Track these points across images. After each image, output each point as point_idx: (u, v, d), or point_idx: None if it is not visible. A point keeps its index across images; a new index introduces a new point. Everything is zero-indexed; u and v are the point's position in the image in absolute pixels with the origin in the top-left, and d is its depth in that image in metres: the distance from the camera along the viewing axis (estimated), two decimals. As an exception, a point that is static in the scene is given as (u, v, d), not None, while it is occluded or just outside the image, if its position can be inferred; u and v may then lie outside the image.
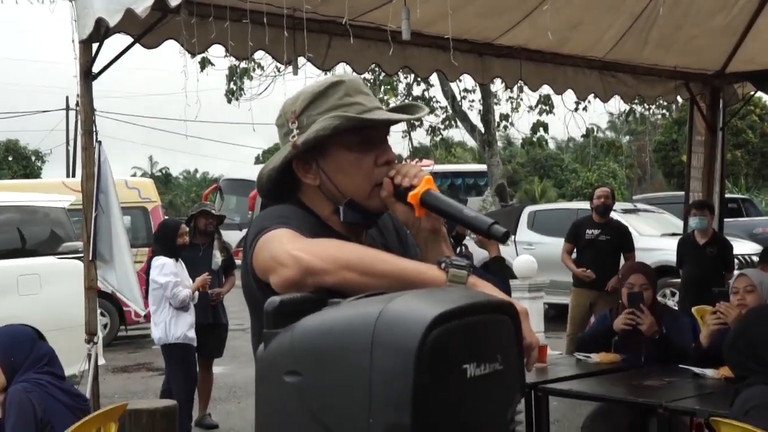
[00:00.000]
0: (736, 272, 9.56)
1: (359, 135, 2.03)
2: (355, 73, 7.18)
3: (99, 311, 6.23)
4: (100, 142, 6.09)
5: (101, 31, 5.88)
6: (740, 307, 5.07)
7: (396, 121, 2.12)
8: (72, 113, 39.69)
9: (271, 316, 1.58)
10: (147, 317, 13.43)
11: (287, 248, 1.82)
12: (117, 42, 6.08)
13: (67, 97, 40.88)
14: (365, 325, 1.45)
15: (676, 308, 8.79)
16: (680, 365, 5.38)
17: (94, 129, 6.08)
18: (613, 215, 9.72)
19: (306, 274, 1.78)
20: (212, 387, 8.44)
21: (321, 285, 1.77)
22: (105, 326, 14.05)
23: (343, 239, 2.01)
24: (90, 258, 5.98)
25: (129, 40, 6.03)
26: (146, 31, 5.90)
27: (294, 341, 1.52)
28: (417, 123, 21.77)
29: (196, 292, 7.53)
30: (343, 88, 2.06)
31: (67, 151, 41.10)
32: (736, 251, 10.51)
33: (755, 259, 13.44)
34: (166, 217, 8.45)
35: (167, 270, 7.32)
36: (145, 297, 7.48)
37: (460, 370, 1.47)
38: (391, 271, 1.80)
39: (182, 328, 7.36)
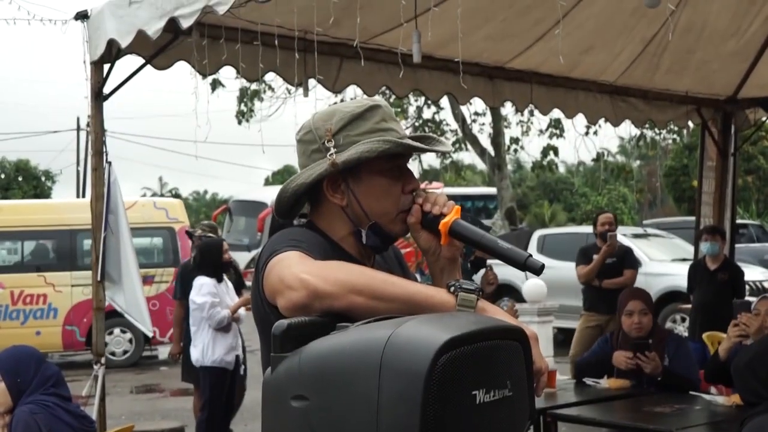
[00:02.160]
0: (748, 298, 9.54)
1: (392, 162, 2.07)
2: (364, 95, 7.19)
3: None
4: (110, 163, 6.10)
5: (113, 53, 5.91)
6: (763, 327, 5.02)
7: (437, 151, 2.17)
8: (83, 133, 39.86)
9: (279, 339, 1.56)
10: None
11: (295, 271, 1.81)
12: (128, 63, 6.11)
13: (78, 118, 41.05)
14: (374, 349, 1.43)
15: (686, 334, 8.74)
16: (691, 392, 5.34)
17: (104, 149, 6.09)
18: (623, 240, 9.69)
19: (314, 297, 1.76)
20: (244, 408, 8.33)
21: (329, 309, 1.75)
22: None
23: (355, 262, 2.01)
24: (98, 279, 5.97)
25: (140, 61, 6.05)
26: (158, 52, 5.92)
27: (301, 365, 1.50)
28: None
29: (241, 311, 7.44)
30: (380, 113, 2.09)
31: (78, 171, 41.21)
32: (746, 277, 10.46)
33: (766, 285, 13.40)
34: (210, 236, 8.33)
35: (205, 290, 7.26)
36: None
37: (470, 396, 1.45)
38: (400, 295, 1.79)
39: (220, 351, 7.29)
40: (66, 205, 16.38)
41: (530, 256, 1.95)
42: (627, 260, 9.15)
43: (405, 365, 1.40)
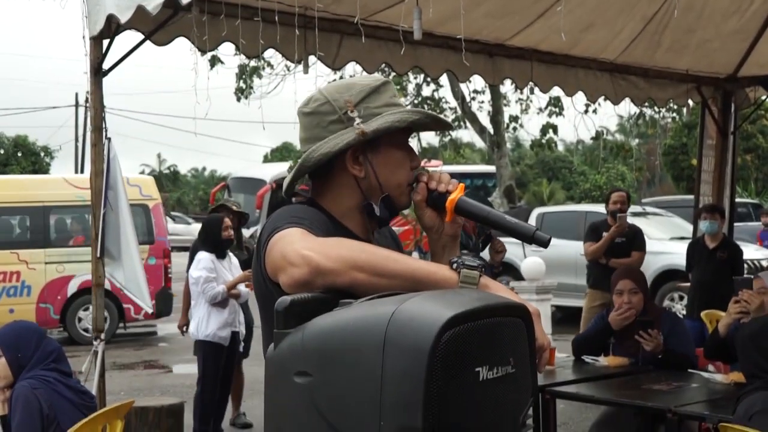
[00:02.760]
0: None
1: (407, 135, 2.14)
2: (363, 71, 7.17)
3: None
4: (109, 139, 6.08)
5: (112, 28, 5.88)
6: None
7: (447, 125, 2.22)
8: (81, 110, 39.80)
9: (282, 316, 1.56)
10: (146, 315, 13.51)
11: (297, 247, 1.81)
12: (128, 39, 6.08)
13: (76, 94, 41.02)
14: (378, 325, 1.43)
15: (684, 313, 8.75)
16: (689, 370, 5.35)
17: (103, 126, 6.08)
18: (631, 219, 9.67)
19: (316, 274, 1.76)
20: (243, 386, 8.33)
21: (331, 285, 1.75)
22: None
23: (356, 239, 2.01)
24: (98, 255, 5.97)
25: (140, 37, 6.02)
26: (157, 28, 5.89)
27: (305, 341, 1.50)
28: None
29: (241, 287, 7.41)
30: (391, 89, 2.14)
31: (76, 147, 41.19)
32: (745, 256, 10.47)
33: (765, 264, 13.42)
34: (225, 207, 8.28)
35: (202, 265, 7.26)
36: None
37: (473, 373, 1.46)
38: (402, 272, 1.79)
39: (213, 325, 7.29)
40: (38, 181, 16.14)
41: (538, 229, 1.97)
42: (636, 241, 9.10)
43: (409, 342, 1.40)
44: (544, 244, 1.96)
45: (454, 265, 1.81)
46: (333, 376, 1.45)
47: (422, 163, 2.20)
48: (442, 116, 2.16)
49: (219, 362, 7.36)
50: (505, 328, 1.57)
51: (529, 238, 1.96)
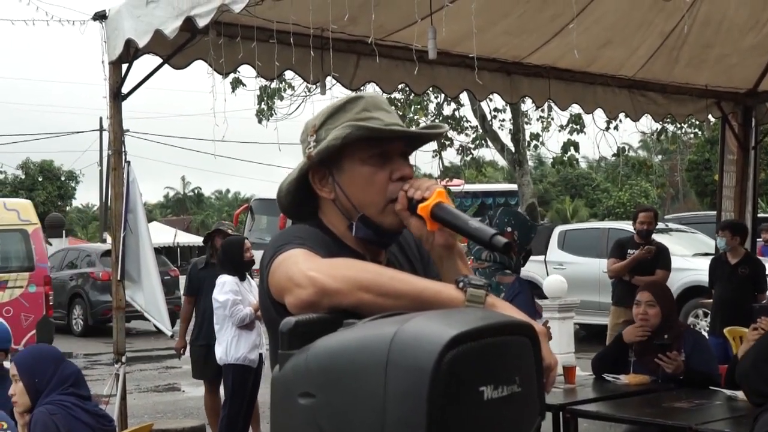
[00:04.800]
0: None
1: (375, 148, 2.03)
2: (382, 92, 7.19)
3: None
4: (129, 162, 6.14)
5: (131, 52, 5.95)
6: None
7: (408, 134, 2.10)
8: (105, 134, 40.07)
9: (287, 337, 1.56)
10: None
11: (302, 268, 1.81)
12: (146, 63, 6.14)
13: (100, 118, 41.28)
14: (380, 345, 1.43)
15: (707, 329, 8.68)
16: (711, 387, 5.30)
17: (123, 149, 6.13)
18: (656, 237, 9.62)
19: (321, 295, 1.76)
20: (259, 408, 8.32)
21: (336, 306, 1.75)
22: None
23: (359, 258, 2.00)
24: (118, 278, 6.00)
25: (158, 60, 6.08)
26: (175, 51, 5.95)
27: (308, 363, 1.49)
28: (447, 143, 21.78)
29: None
30: (361, 103, 2.07)
31: (101, 171, 41.45)
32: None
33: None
34: (232, 234, 8.34)
35: (227, 288, 7.23)
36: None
37: (477, 393, 1.44)
38: (408, 291, 1.78)
39: (244, 349, 7.26)
40: None
41: (496, 234, 1.89)
42: (661, 259, 9.03)
43: (411, 361, 1.39)
44: (501, 249, 1.89)
45: (461, 284, 1.80)
46: (336, 397, 1.44)
47: (443, 182, 2.17)
48: (391, 126, 2.03)
49: (247, 385, 7.35)
50: (510, 348, 1.56)
51: (486, 243, 1.89)
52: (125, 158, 6.13)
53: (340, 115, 2.06)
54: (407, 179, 2.04)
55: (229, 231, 8.45)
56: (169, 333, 6.65)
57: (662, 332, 5.63)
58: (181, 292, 20.34)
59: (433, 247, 2.04)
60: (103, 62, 6.07)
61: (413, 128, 2.14)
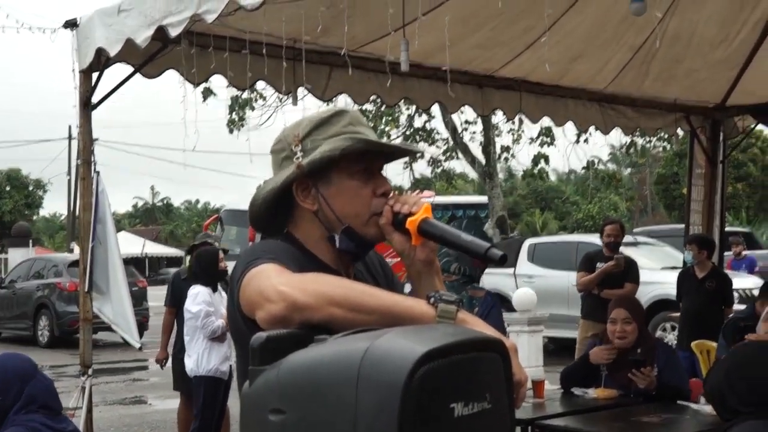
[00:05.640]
0: (737, 306, 9.55)
1: (361, 163, 2.06)
2: (354, 104, 7.19)
3: None
4: (98, 172, 6.09)
5: (101, 61, 5.90)
6: None
7: (403, 150, 2.20)
8: (74, 143, 39.77)
9: (258, 352, 1.55)
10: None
11: (274, 283, 1.80)
12: (117, 71, 6.10)
13: (69, 127, 41.06)
14: (351, 361, 1.42)
15: (675, 343, 8.74)
16: (679, 401, 5.33)
17: (92, 159, 6.08)
18: (624, 250, 9.70)
19: (293, 310, 1.75)
20: (230, 421, 8.26)
21: (307, 321, 1.73)
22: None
23: (331, 272, 2.00)
24: (86, 289, 5.94)
25: (129, 69, 6.04)
26: (147, 61, 5.91)
27: (279, 378, 1.48)
28: (418, 155, 21.80)
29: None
30: (347, 118, 2.09)
31: (69, 180, 41.16)
32: (736, 285, 10.47)
33: (756, 293, 13.41)
34: (206, 245, 8.31)
35: (200, 299, 7.21)
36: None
37: (448, 409, 1.44)
38: (379, 307, 1.77)
39: (215, 361, 7.25)
40: None
41: (491, 247, 1.93)
42: (630, 273, 9.10)
43: (382, 378, 1.39)
44: (497, 261, 1.93)
45: (432, 300, 1.80)
46: (307, 413, 1.43)
47: (414, 194, 2.18)
48: (384, 141, 2.13)
49: (219, 396, 7.31)
50: (481, 364, 1.55)
51: (481, 255, 1.92)
52: (94, 168, 6.08)
53: (327, 127, 2.08)
54: (388, 194, 2.08)
55: (216, 243, 8.44)
56: (137, 345, 6.58)
57: (636, 347, 5.64)
58: (149, 303, 20.28)
59: (414, 262, 2.07)
60: (73, 70, 6.02)
61: (393, 143, 2.16)
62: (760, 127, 10.16)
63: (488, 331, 1.73)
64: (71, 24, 6.03)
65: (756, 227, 30.00)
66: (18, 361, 4.12)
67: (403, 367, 1.38)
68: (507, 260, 1.98)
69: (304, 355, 1.50)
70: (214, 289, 7.41)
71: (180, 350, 7.87)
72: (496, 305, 5.05)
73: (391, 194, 2.09)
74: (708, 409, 5.03)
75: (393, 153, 2.19)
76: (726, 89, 8.93)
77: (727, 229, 11.32)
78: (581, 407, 5.49)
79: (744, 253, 16.85)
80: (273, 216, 2.15)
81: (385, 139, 2.23)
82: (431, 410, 1.41)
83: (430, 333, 1.55)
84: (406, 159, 22.73)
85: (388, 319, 1.73)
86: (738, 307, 9.64)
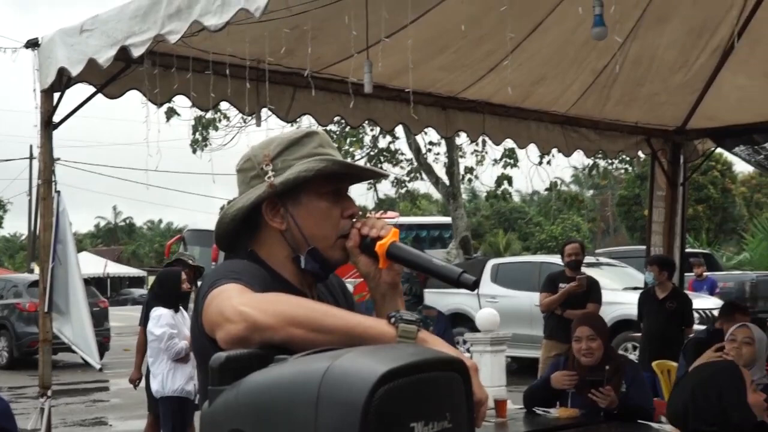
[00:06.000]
0: (698, 326, 9.65)
1: (332, 184, 2.08)
2: (318, 124, 7.19)
3: None
4: (59, 192, 6.04)
5: (63, 81, 5.87)
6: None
7: (374, 173, 2.23)
8: (35, 162, 39.37)
9: (217, 372, 1.55)
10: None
11: (234, 303, 1.79)
12: (79, 91, 6.06)
13: (30, 146, 40.65)
14: (311, 381, 1.42)
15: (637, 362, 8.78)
16: (639, 420, 5.36)
17: (53, 179, 6.03)
18: (587, 270, 9.77)
19: (252, 330, 1.74)
20: None
21: (268, 341, 1.73)
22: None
23: (295, 292, 2.00)
24: (46, 310, 5.88)
25: (91, 89, 6.01)
26: (109, 81, 5.89)
27: (239, 398, 1.48)
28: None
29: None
30: (317, 140, 2.11)
31: (30, 200, 40.75)
32: (697, 306, 10.58)
33: (715, 313, 13.55)
34: (193, 264, 8.32)
35: (163, 321, 7.20)
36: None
37: (408, 429, 1.44)
38: (340, 327, 1.77)
39: (180, 381, 7.24)
40: None
41: (463, 272, 1.95)
42: (592, 293, 9.16)
43: (342, 398, 1.39)
44: (470, 286, 1.95)
45: (392, 320, 1.80)
46: (267, 432, 1.43)
47: (377, 215, 2.19)
48: (362, 165, 2.16)
49: (186, 417, 7.28)
50: (441, 383, 1.56)
51: (454, 281, 1.94)
52: (55, 188, 6.04)
53: (297, 148, 2.10)
54: (355, 216, 2.10)
55: (190, 261, 8.40)
56: (98, 366, 6.52)
57: (603, 364, 5.66)
58: (111, 323, 20.09)
59: (379, 284, 2.09)
60: (34, 90, 5.98)
61: (365, 165, 2.19)
62: (719, 150, 10.29)
63: (448, 350, 1.74)
64: (33, 44, 5.99)
65: (716, 249, 30.32)
66: None
67: (363, 386, 1.38)
68: (479, 285, 2.00)
69: (263, 375, 1.50)
70: (176, 310, 7.38)
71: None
72: (449, 325, 5.09)
73: (357, 217, 2.10)
74: (669, 428, 5.07)
75: (361, 175, 2.21)
76: (686, 113, 9.05)
77: (687, 250, 11.45)
78: (543, 427, 5.51)
79: (705, 274, 17.02)
80: (238, 235, 2.15)
81: (350, 160, 2.28)
82: (391, 430, 1.41)
83: (390, 352, 1.55)
84: (371, 180, 22.76)
85: (349, 339, 1.73)
86: (698, 327, 9.74)
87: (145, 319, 8.11)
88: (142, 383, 8.22)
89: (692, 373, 3.85)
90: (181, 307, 7.52)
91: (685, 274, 10.93)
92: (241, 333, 1.75)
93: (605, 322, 6.34)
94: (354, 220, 2.10)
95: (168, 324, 7.18)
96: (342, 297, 2.28)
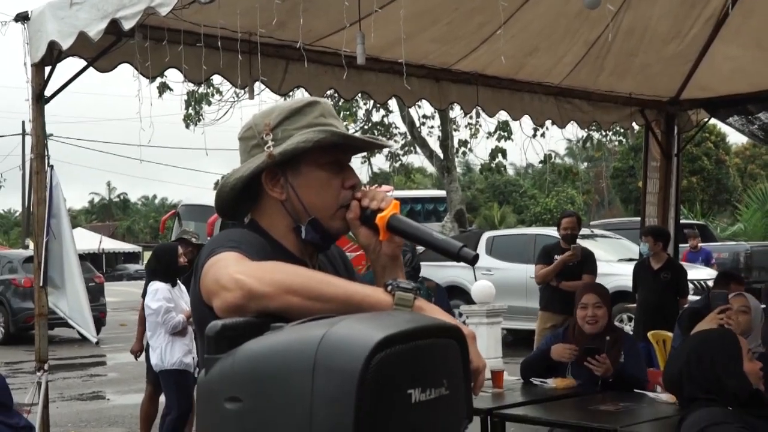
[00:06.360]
0: (692, 297, 9.67)
1: (331, 155, 2.07)
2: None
3: None
4: (52, 167, 6.02)
5: (54, 55, 5.83)
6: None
7: (374, 144, 2.21)
8: (28, 138, 39.23)
9: (213, 340, 1.54)
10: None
11: (231, 271, 1.79)
12: (70, 65, 6.02)
13: (23, 122, 40.52)
14: (307, 348, 1.41)
15: (632, 333, 8.83)
16: (636, 390, 5.39)
17: (46, 153, 6.01)
18: (581, 242, 9.77)
19: (249, 298, 1.74)
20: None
21: (264, 309, 1.73)
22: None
23: (296, 261, 2.00)
24: (41, 284, 5.88)
25: (83, 63, 5.97)
26: (100, 54, 5.85)
27: (235, 366, 1.48)
28: (376, 149, 21.85)
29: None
30: (319, 109, 2.10)
31: (23, 176, 40.67)
32: (691, 276, 10.59)
33: (710, 284, 13.59)
34: (196, 243, 8.35)
35: (160, 295, 7.22)
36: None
37: (405, 395, 1.44)
38: (337, 295, 1.77)
39: (178, 353, 7.27)
40: None
41: (463, 246, 1.96)
42: (587, 264, 9.16)
43: (338, 364, 1.38)
44: (470, 260, 1.96)
45: (389, 288, 1.81)
46: (263, 401, 1.43)
47: (373, 188, 2.18)
48: (363, 136, 2.16)
49: (189, 385, 7.30)
50: (438, 350, 1.56)
51: (454, 255, 1.94)
52: (48, 162, 6.02)
53: (299, 117, 2.08)
54: (356, 187, 2.09)
55: (193, 239, 8.43)
56: (94, 340, 6.53)
57: (605, 334, 5.69)
58: (106, 298, 20.11)
59: (379, 256, 2.08)
60: (25, 64, 5.94)
61: (365, 137, 2.18)
62: (713, 121, 10.29)
63: (445, 318, 1.74)
64: (22, 17, 5.95)
65: (710, 220, 30.39)
66: None
67: (359, 353, 1.38)
68: (478, 259, 2.01)
69: (259, 342, 1.50)
70: (173, 284, 7.40)
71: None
72: (446, 297, 5.12)
73: (357, 188, 2.09)
74: (664, 397, 5.10)
75: (362, 146, 2.21)
76: (680, 83, 9.03)
77: (681, 221, 11.46)
78: (540, 397, 5.54)
79: (699, 245, 17.05)
80: (238, 204, 2.15)
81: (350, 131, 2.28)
82: (388, 396, 1.41)
83: (387, 319, 1.55)
84: (365, 153, 22.74)
85: (346, 307, 1.73)
86: (693, 297, 9.76)
87: (145, 293, 8.15)
88: (143, 356, 8.26)
89: (689, 339, 3.86)
90: (178, 281, 7.54)
91: (680, 245, 10.95)
92: (238, 301, 1.74)
93: (608, 291, 6.34)
94: (354, 191, 2.09)
95: (165, 298, 7.21)
96: (342, 267, 2.28)
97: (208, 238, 23.95)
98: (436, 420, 1.53)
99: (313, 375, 1.39)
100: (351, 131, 21.45)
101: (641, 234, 9.38)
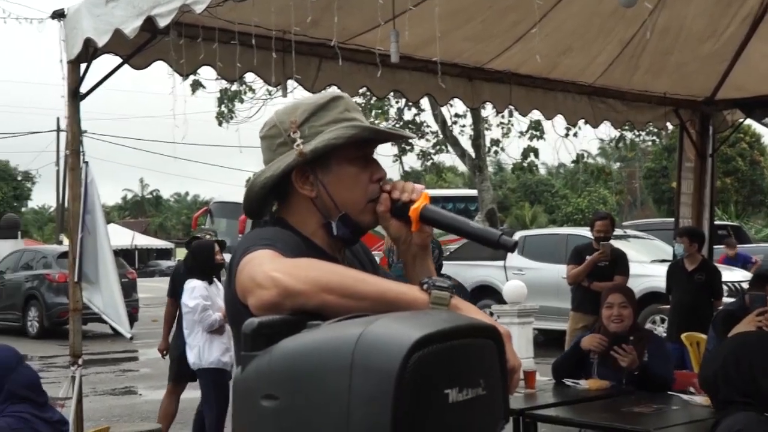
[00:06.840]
0: (727, 299, 9.59)
1: (361, 150, 2.07)
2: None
3: None
4: (87, 163, 6.06)
5: (89, 52, 5.87)
6: None
7: (399, 136, 2.23)
8: (63, 134, 39.59)
9: (249, 338, 1.54)
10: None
11: (266, 269, 1.78)
12: (106, 62, 6.06)
13: (57, 118, 40.90)
14: (344, 347, 1.41)
15: (665, 335, 8.76)
16: (669, 392, 5.35)
17: (81, 149, 6.05)
18: (613, 242, 9.71)
19: (284, 296, 1.73)
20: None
21: (300, 307, 1.72)
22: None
23: (328, 257, 2.00)
24: (75, 279, 5.92)
25: (118, 60, 6.01)
26: (135, 51, 5.88)
27: (272, 364, 1.48)
28: (408, 147, 21.78)
29: None
30: (343, 104, 2.10)
31: (57, 172, 41.04)
32: (726, 278, 10.51)
33: (745, 286, 13.46)
34: (199, 238, 8.40)
35: (197, 293, 7.22)
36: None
37: (442, 395, 1.43)
38: (372, 293, 1.76)
39: (216, 352, 7.26)
40: None
41: (503, 234, 1.95)
42: (619, 265, 9.10)
43: (376, 364, 1.38)
44: (510, 248, 1.95)
45: (425, 286, 1.79)
46: (300, 399, 1.42)
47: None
48: (389, 128, 2.16)
49: (226, 385, 7.32)
50: (475, 350, 1.55)
51: (494, 242, 1.93)
52: (83, 158, 6.06)
53: (324, 113, 2.08)
54: (383, 180, 2.09)
55: (208, 236, 8.50)
56: (128, 335, 6.57)
57: (629, 334, 5.69)
58: (139, 294, 20.26)
59: (410, 246, 2.08)
60: (61, 61, 5.98)
61: (389, 129, 2.19)
62: (748, 121, 10.18)
63: (482, 317, 1.73)
64: (59, 14, 5.99)
65: (744, 221, 30.11)
66: (3, 351, 4.10)
67: (397, 352, 1.37)
68: (517, 247, 2.00)
69: (296, 340, 1.50)
70: (210, 282, 7.42)
71: (179, 340, 7.82)
72: (469, 295, 5.12)
73: (384, 181, 2.10)
74: (698, 399, 5.05)
75: (388, 138, 2.21)
76: (715, 83, 8.95)
77: (716, 222, 11.35)
78: (573, 398, 5.51)
79: (736, 253, 16.87)
80: (266, 203, 2.14)
81: (378, 125, 2.29)
82: (425, 396, 1.41)
83: (424, 318, 1.54)
84: (396, 152, 22.73)
85: (381, 305, 1.72)
86: (727, 299, 9.68)
87: (172, 291, 8.17)
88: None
89: (727, 341, 3.82)
90: (215, 279, 7.56)
91: (714, 246, 10.85)
92: (273, 299, 1.74)
93: (635, 293, 6.34)
94: (382, 183, 2.09)
95: (201, 296, 7.22)
96: (368, 261, 2.29)
97: (240, 235, 24.07)
98: (472, 420, 1.52)
99: (350, 374, 1.38)
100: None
101: (676, 235, 9.30)
